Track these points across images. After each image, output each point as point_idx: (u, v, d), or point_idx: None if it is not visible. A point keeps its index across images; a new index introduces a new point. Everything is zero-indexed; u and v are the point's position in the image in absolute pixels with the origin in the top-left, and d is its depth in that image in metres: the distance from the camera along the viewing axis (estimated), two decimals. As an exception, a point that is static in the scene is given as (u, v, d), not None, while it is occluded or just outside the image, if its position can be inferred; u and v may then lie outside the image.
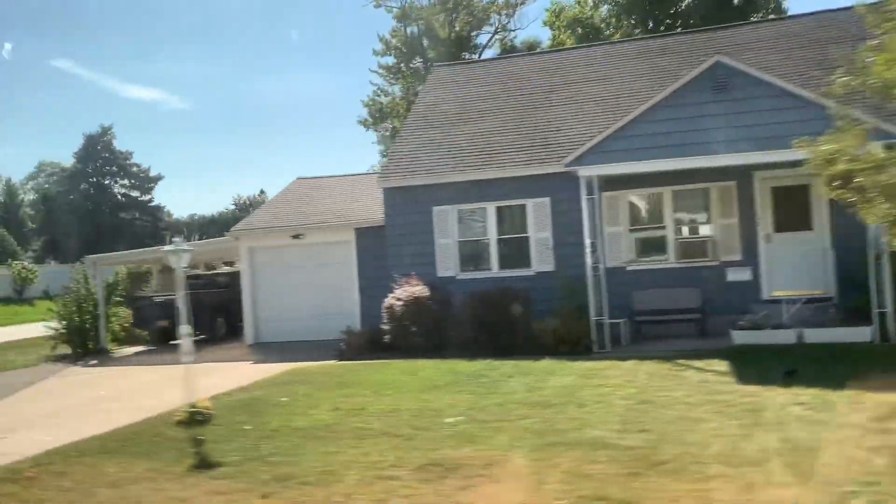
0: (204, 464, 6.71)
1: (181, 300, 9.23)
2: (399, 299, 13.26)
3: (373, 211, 16.49)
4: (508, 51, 42.72)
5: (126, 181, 57.28)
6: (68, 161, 58.26)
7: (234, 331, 19.68)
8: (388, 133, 43.53)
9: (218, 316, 18.82)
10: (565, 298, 13.10)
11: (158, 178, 57.87)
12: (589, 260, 12.45)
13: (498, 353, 12.15)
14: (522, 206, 14.65)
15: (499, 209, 14.84)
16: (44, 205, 58.45)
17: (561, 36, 42.79)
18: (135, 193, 57.48)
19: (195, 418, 8.50)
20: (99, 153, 55.47)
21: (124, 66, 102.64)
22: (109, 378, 13.86)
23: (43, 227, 55.85)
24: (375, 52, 44.25)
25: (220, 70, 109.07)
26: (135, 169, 57.19)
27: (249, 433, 7.78)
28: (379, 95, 44.80)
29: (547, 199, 14.35)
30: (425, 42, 43.19)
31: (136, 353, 17.58)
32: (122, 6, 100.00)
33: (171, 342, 19.47)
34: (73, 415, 10.19)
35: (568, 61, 18.12)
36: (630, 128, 12.38)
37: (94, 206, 54.15)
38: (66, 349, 17.63)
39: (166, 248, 9.11)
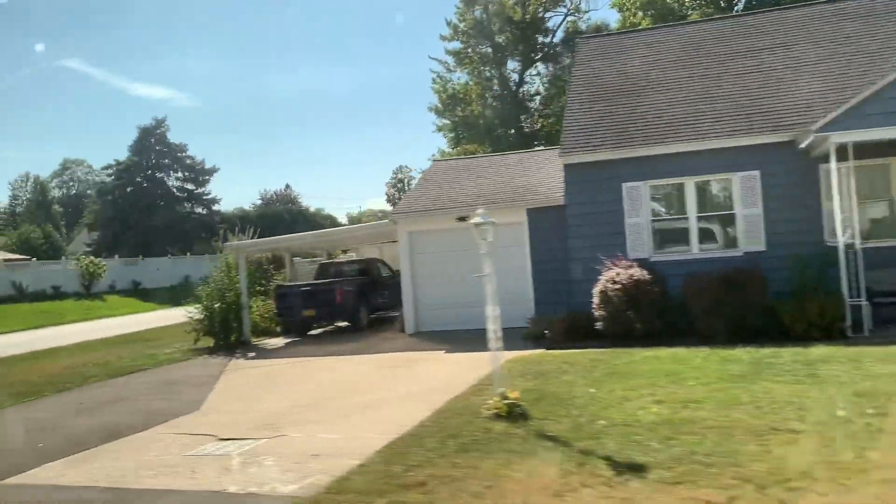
0: (621, 466, 5.66)
1: (488, 280, 8.21)
2: (615, 282, 12.14)
3: (547, 189, 15.44)
4: (573, 34, 41.56)
5: (180, 174, 56.40)
6: (93, 160, 57.69)
7: (376, 320, 18.74)
8: (456, 120, 42.45)
9: (359, 304, 17.85)
10: (794, 280, 12.02)
11: (213, 171, 56.92)
12: (842, 237, 11.32)
13: (734, 339, 11.09)
14: (727, 181, 13.52)
15: (698, 184, 13.71)
16: (99, 198, 57.72)
17: (632, 18, 41.70)
18: (190, 186, 56.61)
19: (514, 411, 7.55)
20: (153, 146, 54.63)
21: (137, 64, 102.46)
22: (297, 369, 12.88)
23: (101, 221, 55.10)
24: (442, 38, 43.37)
25: (236, 67, 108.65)
26: (189, 161, 56.28)
27: (607, 430, 6.72)
28: (438, 83, 43.94)
29: (756, 172, 13.20)
30: (494, 26, 42.00)
31: (286, 345, 16.63)
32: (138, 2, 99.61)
33: (310, 332, 18.65)
34: (325, 411, 9.20)
35: (731, 29, 16.90)
36: (889, 90, 11.20)
37: (151, 200, 53.34)
38: (206, 341, 16.74)
39: (472, 220, 8.08)
